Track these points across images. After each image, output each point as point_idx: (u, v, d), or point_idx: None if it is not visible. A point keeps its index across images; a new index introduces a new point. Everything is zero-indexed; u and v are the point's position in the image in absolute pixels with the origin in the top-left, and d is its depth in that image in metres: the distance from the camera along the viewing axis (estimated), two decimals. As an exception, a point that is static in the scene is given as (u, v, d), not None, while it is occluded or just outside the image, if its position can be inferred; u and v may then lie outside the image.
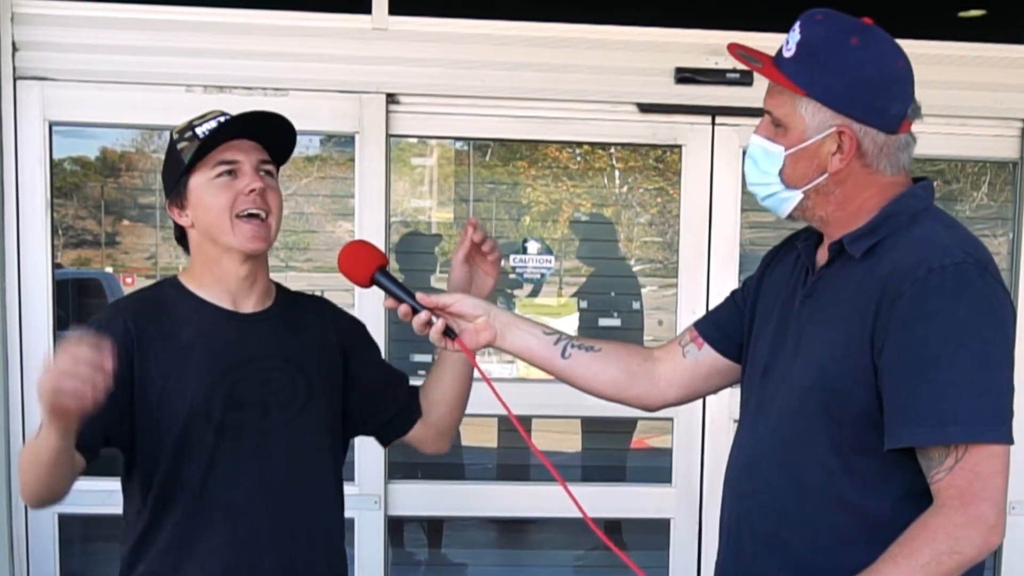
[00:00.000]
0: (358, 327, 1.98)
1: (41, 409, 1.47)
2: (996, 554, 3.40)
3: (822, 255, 1.58)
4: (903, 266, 1.41)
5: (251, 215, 1.73)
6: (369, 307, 3.11)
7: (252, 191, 1.72)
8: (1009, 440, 1.37)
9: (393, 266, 3.51)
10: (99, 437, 1.68)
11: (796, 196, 1.52)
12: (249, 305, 1.81)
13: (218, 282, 1.78)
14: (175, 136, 1.77)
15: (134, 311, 1.76)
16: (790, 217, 1.57)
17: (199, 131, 1.73)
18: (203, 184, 1.73)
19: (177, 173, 1.74)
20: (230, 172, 1.73)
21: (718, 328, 1.77)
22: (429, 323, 1.69)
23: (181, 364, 1.72)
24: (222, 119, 1.74)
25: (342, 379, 1.89)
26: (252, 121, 1.75)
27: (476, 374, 1.83)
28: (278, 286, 1.90)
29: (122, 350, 1.66)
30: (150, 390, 1.70)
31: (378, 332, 3.16)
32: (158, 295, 1.82)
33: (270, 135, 1.79)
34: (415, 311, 1.69)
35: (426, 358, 3.48)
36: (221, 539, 1.72)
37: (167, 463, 1.71)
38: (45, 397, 1.42)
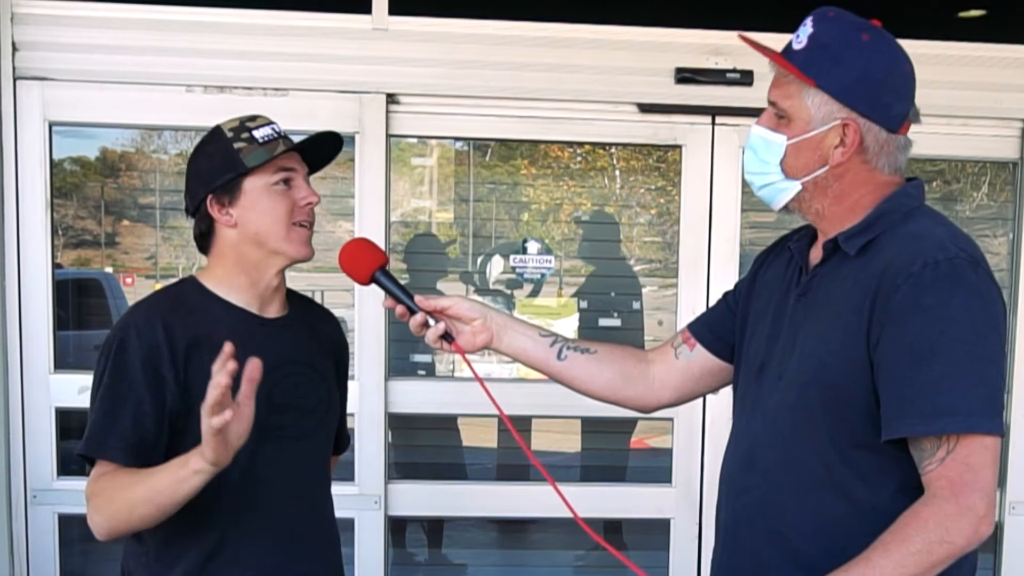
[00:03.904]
0: (347, 353, 2.04)
1: (206, 448, 1.47)
2: (996, 554, 3.40)
3: (815, 254, 1.60)
4: (898, 261, 1.42)
5: (303, 225, 1.77)
6: (369, 308, 3.12)
7: (308, 204, 1.76)
8: (1001, 432, 1.39)
9: (399, 267, 3.52)
10: (163, 455, 1.67)
11: (794, 187, 1.53)
12: (272, 310, 1.82)
13: (251, 285, 1.77)
14: (229, 133, 1.75)
15: (169, 310, 1.74)
16: (785, 209, 1.58)
17: (257, 135, 1.73)
18: (260, 188, 1.73)
19: (233, 172, 1.72)
20: (286, 181, 1.75)
21: (710, 329, 1.79)
22: (426, 324, 1.71)
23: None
24: (274, 126, 1.76)
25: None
26: (317, 138, 1.80)
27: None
28: (288, 290, 1.91)
29: (165, 357, 1.67)
30: (193, 394, 1.67)
31: (378, 332, 3.17)
32: (182, 296, 1.79)
33: (312, 153, 1.83)
34: (412, 312, 1.71)
35: (425, 358, 3.49)
36: (266, 541, 1.72)
37: None
38: (218, 436, 1.44)
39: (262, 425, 1.69)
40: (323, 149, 1.85)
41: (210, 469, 1.50)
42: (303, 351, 1.83)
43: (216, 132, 1.77)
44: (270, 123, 1.77)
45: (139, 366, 1.66)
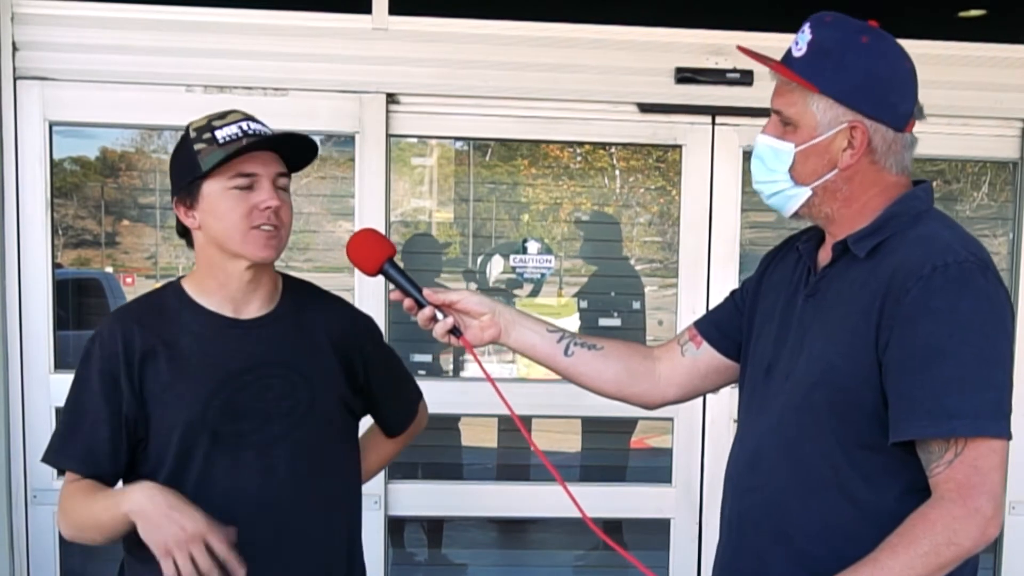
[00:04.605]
0: (368, 327, 1.95)
1: (151, 524, 1.56)
2: (996, 554, 3.40)
3: (824, 255, 1.60)
4: (907, 264, 1.43)
5: (264, 228, 1.70)
6: (368, 308, 3.10)
7: (268, 208, 1.69)
8: (1009, 435, 1.39)
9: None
10: (123, 463, 1.72)
11: (804, 193, 1.54)
12: (251, 310, 1.77)
13: (221, 287, 1.74)
14: (192, 134, 1.70)
15: (136, 321, 1.73)
16: (795, 216, 1.58)
17: (219, 135, 1.67)
18: (217, 191, 1.68)
19: (191, 175, 1.69)
20: (248, 185, 1.69)
21: (717, 327, 1.79)
22: (434, 318, 1.70)
23: (178, 376, 1.69)
24: (244, 124, 1.69)
25: (346, 378, 1.85)
26: (280, 139, 1.72)
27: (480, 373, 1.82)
28: (287, 281, 1.85)
29: (122, 367, 1.69)
30: (149, 402, 1.69)
31: (378, 332, 3.17)
32: (161, 302, 1.78)
33: (292, 150, 1.76)
34: (420, 306, 1.70)
35: (426, 358, 3.48)
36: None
37: (166, 476, 1.68)
38: (178, 535, 1.54)
39: (217, 433, 1.68)
40: (299, 148, 1.76)
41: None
42: (282, 351, 1.77)
43: (184, 132, 1.74)
44: (241, 120, 1.70)
45: (97, 376, 1.70)
